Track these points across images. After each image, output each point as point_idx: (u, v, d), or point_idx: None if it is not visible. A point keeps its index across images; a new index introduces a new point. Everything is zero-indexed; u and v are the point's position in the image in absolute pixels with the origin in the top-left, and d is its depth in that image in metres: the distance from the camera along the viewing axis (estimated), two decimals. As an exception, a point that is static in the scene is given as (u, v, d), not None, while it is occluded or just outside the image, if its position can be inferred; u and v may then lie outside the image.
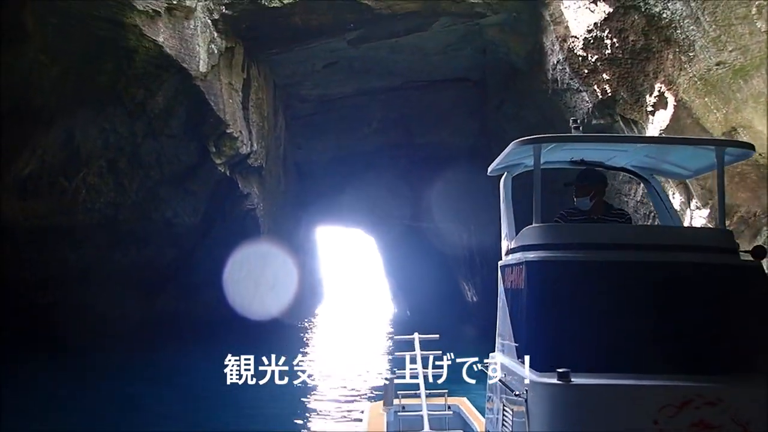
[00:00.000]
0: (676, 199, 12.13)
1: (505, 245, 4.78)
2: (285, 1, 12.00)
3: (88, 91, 9.40)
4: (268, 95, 14.73)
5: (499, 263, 4.66)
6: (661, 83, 10.69)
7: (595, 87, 12.43)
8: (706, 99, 9.91)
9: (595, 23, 11.30)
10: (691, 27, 9.25)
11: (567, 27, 12.27)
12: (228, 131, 11.60)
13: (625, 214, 4.89)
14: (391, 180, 21.55)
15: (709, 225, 11.62)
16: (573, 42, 12.25)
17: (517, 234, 4.49)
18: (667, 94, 10.64)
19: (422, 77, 18.52)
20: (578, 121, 5.02)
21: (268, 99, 14.55)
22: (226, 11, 11.34)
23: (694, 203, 11.73)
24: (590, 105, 12.95)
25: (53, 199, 10.52)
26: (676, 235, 4.61)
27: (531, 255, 3.98)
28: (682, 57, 9.81)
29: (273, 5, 11.94)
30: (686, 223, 11.93)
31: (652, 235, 4.45)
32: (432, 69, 17.70)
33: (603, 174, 4.98)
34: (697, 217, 11.85)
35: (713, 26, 8.84)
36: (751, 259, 4.08)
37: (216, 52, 11.20)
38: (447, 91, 19.11)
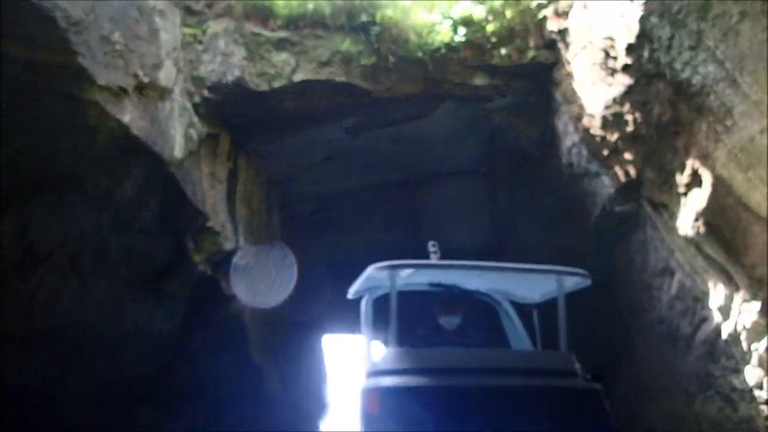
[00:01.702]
0: (719, 292, 10.59)
1: (364, 368, 4.80)
2: (274, 85, 11.11)
3: (45, 175, 8.26)
4: (260, 189, 13.67)
5: (359, 387, 4.71)
6: (694, 159, 9.45)
7: (617, 169, 11.23)
8: (749, 173, 8.61)
9: (614, 98, 10.24)
10: (728, 91, 8.11)
11: (581, 105, 11.23)
12: (209, 225, 10.39)
13: (480, 334, 4.91)
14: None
15: (759, 321, 10.06)
16: (589, 121, 11.18)
17: (375, 358, 4.56)
18: (702, 171, 9.37)
19: (427, 170, 17.49)
20: (436, 244, 5.40)
21: (259, 193, 13.48)
22: (209, 95, 10.44)
23: (740, 296, 10.18)
24: (612, 190, 11.69)
25: (6, 303, 9.15)
26: (522, 359, 4.85)
27: (385, 380, 4.08)
28: (718, 127, 8.61)
29: (261, 89, 11.04)
30: (732, 320, 10.37)
31: (499, 360, 4.71)
32: (437, 161, 16.69)
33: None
34: (746, 311, 10.24)
35: (754, 88, 7.69)
36: (590, 381, 4.24)
37: (195, 137, 10.18)
38: (455, 184, 18.03)
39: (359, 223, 19.05)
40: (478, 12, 11.64)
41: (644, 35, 8.71)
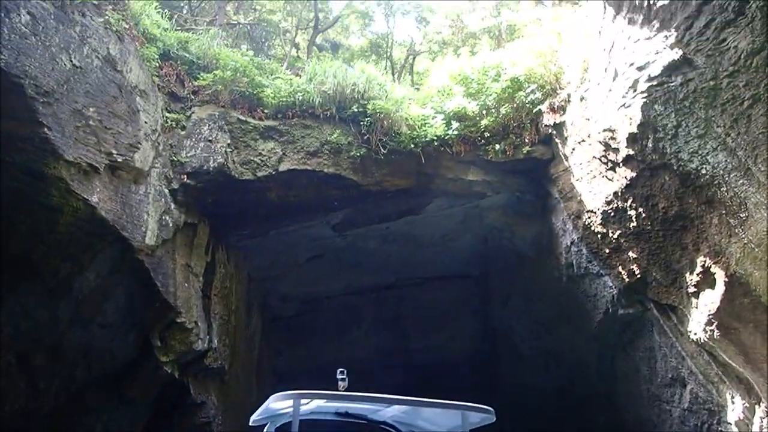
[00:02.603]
0: (737, 404, 9.64)
1: None
2: (259, 174, 10.56)
3: (-6, 261, 7.42)
4: (240, 287, 12.79)
5: None
6: (705, 256, 8.82)
7: (620, 269, 10.56)
8: None
9: (615, 192, 9.74)
10: (741, 181, 7.60)
11: (581, 201, 10.72)
12: (179, 321, 9.43)
13: None
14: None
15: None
16: (589, 218, 10.62)
17: None
18: (715, 269, 8.70)
19: (417, 273, 16.76)
20: (344, 372, 5.33)
21: (238, 291, 12.59)
22: (189, 181, 9.83)
23: (762, 409, 9.23)
24: (615, 291, 10.96)
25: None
26: None
27: None
28: (731, 220, 8.05)
29: (245, 177, 10.48)
30: (755, 433, 9.37)
31: None
32: (428, 263, 15.99)
33: None
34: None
35: (771, 176, 7.21)
36: None
37: (171, 225, 9.46)
38: (445, 289, 17.24)
39: (345, 327, 18.02)
40: (472, 107, 11.36)
41: (647, 124, 8.31)
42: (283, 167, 10.71)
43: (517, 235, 13.06)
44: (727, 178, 7.79)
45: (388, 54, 17.50)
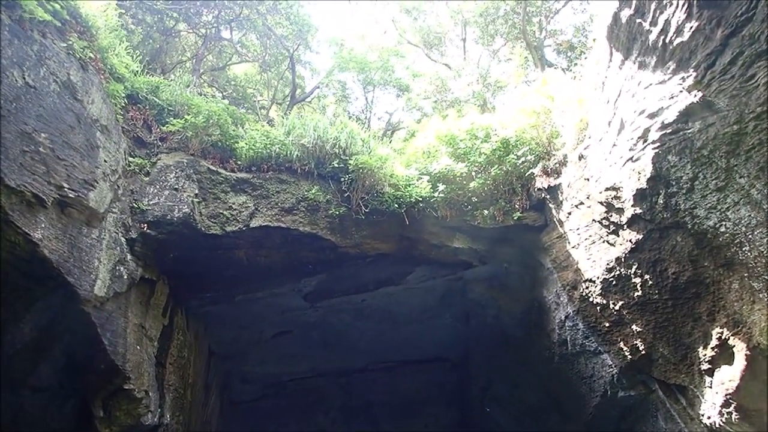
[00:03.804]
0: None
1: None
2: (228, 229, 9.55)
3: None
4: (199, 361, 11.43)
5: None
6: (722, 327, 7.97)
7: (622, 344, 9.63)
8: (798, 339, 7.17)
9: (618, 258, 8.96)
10: (767, 238, 6.91)
11: (577, 270, 9.92)
12: (127, 388, 8.07)
13: None
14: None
15: None
16: (587, 288, 9.79)
17: None
18: (734, 341, 7.84)
19: (391, 356, 15.57)
20: None
21: (197, 364, 11.22)
22: (149, 231, 8.75)
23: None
24: (615, 371, 9.97)
25: None
26: None
27: None
28: (755, 283, 7.27)
29: (212, 232, 9.44)
30: None
31: None
32: (403, 345, 14.86)
33: None
34: None
35: (803, 229, 6.52)
36: None
37: (126, 277, 8.30)
38: (420, 374, 16.03)
39: (310, 413, 16.47)
40: (460, 168, 10.70)
41: (659, 177, 7.66)
42: (254, 223, 9.74)
43: (504, 311, 12.11)
44: (750, 236, 7.08)
45: (367, 126, 17.06)
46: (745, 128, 6.57)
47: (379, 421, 16.36)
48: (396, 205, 10.27)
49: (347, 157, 10.28)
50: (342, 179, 10.32)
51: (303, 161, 10.27)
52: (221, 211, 9.56)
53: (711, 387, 8.43)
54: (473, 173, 10.77)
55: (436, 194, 10.56)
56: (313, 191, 10.10)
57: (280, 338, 13.90)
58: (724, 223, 7.29)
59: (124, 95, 9.29)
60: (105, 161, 8.05)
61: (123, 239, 8.39)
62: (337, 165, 10.28)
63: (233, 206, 9.68)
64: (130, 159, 9.07)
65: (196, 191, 9.39)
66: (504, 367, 13.18)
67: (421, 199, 10.47)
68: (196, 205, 9.28)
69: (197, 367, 11.15)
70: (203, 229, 9.33)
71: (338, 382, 16.03)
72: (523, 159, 10.48)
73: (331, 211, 10.13)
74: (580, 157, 9.42)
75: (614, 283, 9.21)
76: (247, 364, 14.53)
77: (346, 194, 10.27)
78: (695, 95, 6.84)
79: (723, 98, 6.60)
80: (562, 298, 10.54)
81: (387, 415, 16.41)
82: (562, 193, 10.07)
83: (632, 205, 8.28)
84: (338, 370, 15.89)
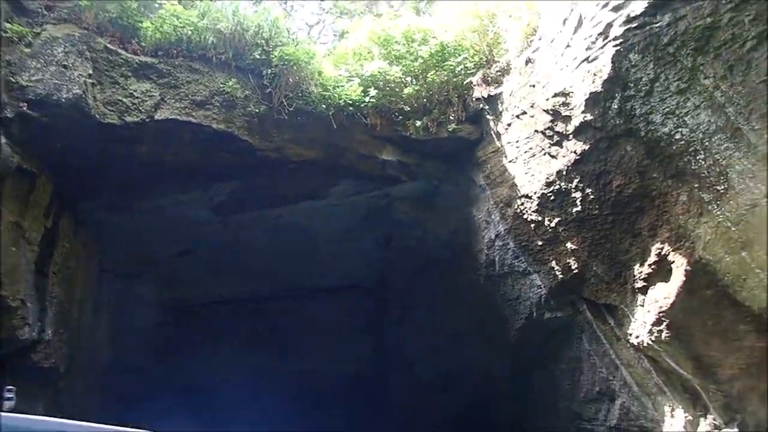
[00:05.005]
0: (678, 418, 8.53)
1: None
2: (128, 119, 8.26)
3: None
4: (88, 275, 10.15)
5: None
6: (663, 242, 7.65)
7: (554, 264, 9.25)
8: (743, 253, 6.88)
9: (560, 172, 8.44)
10: (725, 145, 6.50)
11: (513, 186, 9.36)
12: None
13: None
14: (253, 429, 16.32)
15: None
16: (522, 205, 9.27)
17: None
18: (674, 256, 7.54)
19: (305, 282, 14.72)
20: (13, 390, 5.03)
21: (86, 279, 9.96)
22: (29, 111, 7.34)
23: (707, 422, 8.15)
24: (543, 291, 9.63)
25: None
26: None
27: None
28: (705, 195, 6.92)
29: (108, 121, 8.12)
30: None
31: None
32: (319, 270, 14.05)
33: None
34: (717, 439, 8.23)
35: (766, 136, 6.14)
36: None
37: (-2, 163, 6.92)
38: (334, 302, 15.31)
39: (215, 343, 15.47)
40: (395, 72, 9.80)
41: (617, 79, 7.08)
42: (160, 115, 8.49)
43: (430, 233, 11.51)
44: (707, 143, 6.68)
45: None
46: (719, 21, 6.04)
47: (288, 351, 15.61)
48: (324, 106, 9.29)
49: (271, 49, 9.12)
50: (264, 73, 9.18)
51: (219, 50, 9.02)
52: (120, 98, 8.24)
53: (643, 306, 8.20)
54: (408, 79, 9.92)
55: (367, 99, 9.64)
56: (230, 84, 8.93)
57: (184, 258, 12.75)
58: (680, 129, 6.83)
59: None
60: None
61: (-3, 117, 6.98)
62: (258, 57, 9.10)
63: (135, 94, 8.37)
64: (7, 25, 7.53)
65: (90, 71, 7.99)
66: (425, 293, 12.69)
67: (350, 103, 9.54)
68: (89, 88, 7.90)
69: (87, 285, 9.90)
70: (98, 116, 8.00)
71: (246, 308, 15.04)
72: (462, 66, 9.70)
73: (249, 109, 9.02)
74: (527, 62, 8.75)
75: (552, 198, 8.72)
76: (144, 286, 13.28)
77: (267, 90, 9.16)
78: (668, -18, 6.27)
79: (700, -15, 6.05)
80: (493, 216, 10.02)
81: (297, 345, 15.68)
82: (502, 103, 9.41)
83: (582, 112, 7.70)
84: (246, 296, 14.91)
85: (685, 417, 8.28)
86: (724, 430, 7.92)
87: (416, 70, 9.91)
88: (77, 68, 7.82)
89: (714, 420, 8.01)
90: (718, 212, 6.88)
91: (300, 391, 15.92)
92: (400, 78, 9.87)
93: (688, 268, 7.38)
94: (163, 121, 8.48)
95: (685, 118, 6.74)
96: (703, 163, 6.81)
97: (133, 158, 8.68)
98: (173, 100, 8.63)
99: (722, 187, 6.75)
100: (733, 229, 6.81)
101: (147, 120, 8.35)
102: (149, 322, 14.62)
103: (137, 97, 8.37)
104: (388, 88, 9.90)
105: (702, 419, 8.17)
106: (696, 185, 7.00)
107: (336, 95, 9.45)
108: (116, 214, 10.02)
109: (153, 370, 14.72)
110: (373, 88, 9.79)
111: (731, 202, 6.72)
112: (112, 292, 12.27)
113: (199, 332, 15.29)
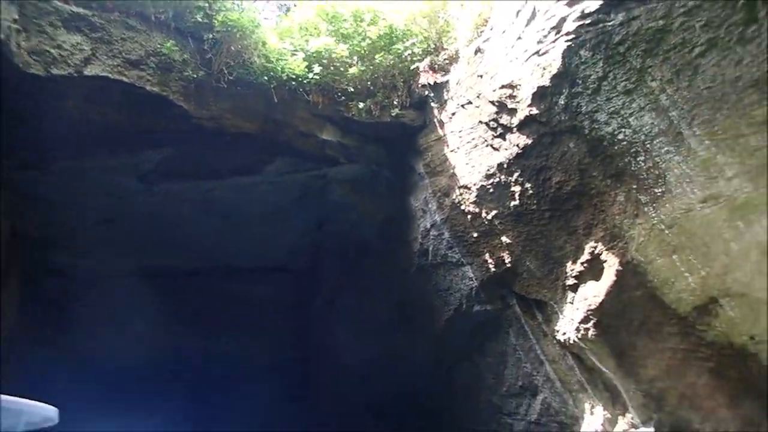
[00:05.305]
0: (597, 415, 8.70)
1: None
2: (54, 71, 7.68)
3: None
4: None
5: None
6: (597, 241, 7.74)
7: (487, 256, 9.25)
8: (674, 256, 7.03)
9: (500, 164, 8.41)
10: (666, 148, 6.59)
11: (453, 176, 9.30)
12: None
13: None
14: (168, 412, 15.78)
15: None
16: (461, 195, 9.22)
17: None
18: (607, 256, 7.65)
19: (230, 261, 14.28)
20: None
21: (-4, 242, 9.24)
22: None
23: (626, 420, 8.35)
24: (475, 284, 9.63)
25: None
26: None
27: None
28: (643, 196, 7.03)
29: (33, 71, 7.52)
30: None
31: None
32: (247, 249, 13.64)
33: None
34: (634, 436, 8.44)
35: (707, 142, 6.24)
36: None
37: None
38: (260, 282, 14.91)
39: (129, 319, 14.77)
40: (341, 50, 9.54)
41: (566, 75, 7.08)
42: (90, 71, 7.92)
43: (365, 218, 11.34)
44: (648, 145, 6.76)
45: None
46: (671, 24, 6.09)
47: (209, 333, 15.12)
48: (265, 78, 8.94)
49: (214, 13, 8.68)
50: (205, 38, 8.73)
51: (159, 8, 8.50)
52: (47, 49, 7.63)
53: (572, 303, 8.30)
54: (355, 59, 9.68)
55: (310, 75, 9.35)
56: (168, 46, 8.44)
57: (104, 227, 12.07)
58: (623, 129, 6.89)
59: None
60: None
61: None
62: (200, 20, 8.65)
63: (64, 45, 7.76)
64: None
65: (16, 16, 7.36)
66: (355, 280, 12.51)
67: (294, 77, 9.22)
68: (14, 34, 7.27)
69: (-3, 245, 9.19)
70: (21, 65, 7.38)
71: (165, 284, 14.38)
72: (410, 51, 9.54)
73: (187, 74, 8.56)
74: (477, 51, 8.67)
75: (491, 190, 8.70)
76: (58, 255, 12.53)
77: (207, 56, 8.72)
78: (625, -19, 6.28)
79: (655, -13, 6.09)
80: (430, 205, 9.93)
81: (218, 326, 15.21)
82: (448, 91, 9.32)
83: (528, 105, 7.68)
84: (167, 271, 14.30)
85: (604, 415, 8.44)
86: (641, 429, 8.12)
87: (363, 51, 9.69)
88: (1, 11, 7.17)
89: (632, 419, 8.20)
90: (654, 215, 6.99)
91: (218, 373, 15.49)
92: (347, 57, 9.63)
93: (620, 268, 7.50)
94: (92, 77, 7.91)
95: (630, 119, 6.80)
96: (642, 164, 6.90)
97: (56, 115, 8.08)
98: (105, 57, 8.07)
99: (659, 190, 6.85)
100: (667, 232, 6.94)
101: (75, 75, 7.78)
102: (60, 294, 13.84)
103: (66, 50, 7.78)
104: (333, 67, 9.64)
105: (620, 417, 8.35)
106: (634, 186, 7.09)
107: (279, 68, 9.11)
108: (33, 174, 9.35)
109: (59, 344, 13.96)
110: (317, 64, 9.50)
111: (667, 205, 6.83)
112: (22, 259, 11.49)
113: (113, 306, 14.57)
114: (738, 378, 7.32)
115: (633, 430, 8.24)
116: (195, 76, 8.59)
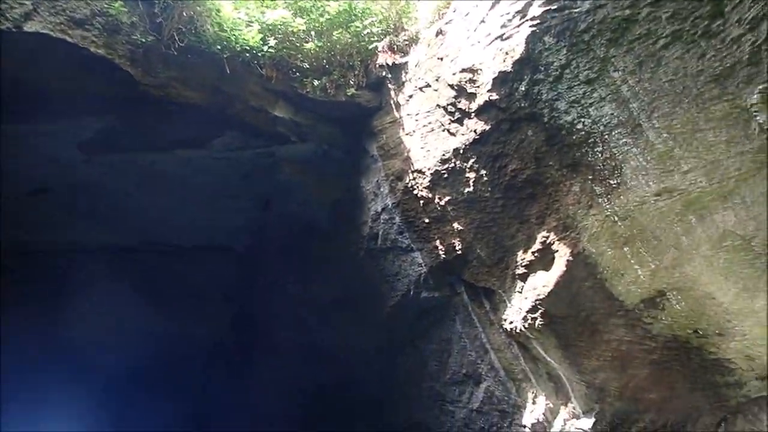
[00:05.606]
0: (539, 405, 8.76)
1: None
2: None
3: None
4: None
5: None
6: (549, 231, 7.73)
7: (438, 243, 9.16)
8: (626, 248, 7.08)
9: (456, 150, 8.30)
10: (624, 140, 6.59)
11: (407, 159, 9.14)
12: None
13: None
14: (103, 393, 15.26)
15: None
16: (414, 180, 9.07)
17: None
18: (558, 246, 7.65)
19: (170, 239, 13.79)
20: None
21: None
22: None
23: (567, 410, 8.43)
24: (424, 270, 9.52)
25: None
26: None
27: None
28: (597, 187, 7.03)
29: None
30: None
31: None
32: (188, 227, 13.18)
33: None
34: (573, 429, 8.52)
35: (665, 135, 6.27)
36: None
37: None
38: (201, 262, 14.47)
39: (58, 298, 14.10)
40: (298, 23, 9.23)
41: (528, 60, 7.00)
42: (30, 27, 7.34)
43: (314, 199, 11.07)
44: (606, 136, 6.76)
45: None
46: (637, 14, 6.05)
47: (144, 312, 14.57)
48: (218, 47, 8.55)
49: (166, -25, 8.25)
50: (155, 1, 8.27)
51: (107, -35, 8.01)
52: (-18, 0, 7.07)
53: (521, 292, 8.29)
54: (312, 34, 9.38)
55: (265, 48, 9.01)
56: (116, 6, 7.94)
57: (38, 197, 11.42)
58: (583, 119, 6.87)
59: None
60: None
61: None
62: (151, -19, 8.20)
63: (2, -2, 7.21)
64: None
65: (-55, -38, 6.79)
66: (301, 263, 12.23)
67: (247, 49, 8.86)
68: (-58, -19, 6.71)
69: None
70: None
71: (100, 260, 13.78)
72: (368, 30, 9.31)
73: (135, 37, 8.09)
74: (438, 33, 8.51)
75: (446, 176, 8.58)
76: (-12, 223, 11.80)
77: (157, 20, 8.26)
78: (594, -33, 6.22)
79: (625, -25, 6.04)
80: (382, 189, 9.76)
81: (156, 308, 14.67)
82: (406, 73, 9.14)
83: (489, 90, 7.57)
84: (103, 247, 13.70)
85: (547, 404, 8.50)
86: (582, 419, 8.21)
87: (321, 27, 9.40)
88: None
89: (573, 409, 8.28)
90: (607, 206, 7.02)
91: (155, 353, 14.98)
92: (303, 32, 9.33)
93: (570, 258, 7.52)
94: (33, 34, 7.35)
95: (590, 109, 6.77)
96: (599, 155, 6.90)
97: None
98: (48, 14, 7.51)
99: (615, 182, 6.87)
100: (619, 224, 6.99)
101: (14, 30, 7.20)
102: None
103: (5, 2, 7.20)
104: (289, 41, 9.31)
105: (562, 407, 8.43)
106: (590, 177, 7.09)
107: (233, 38, 8.73)
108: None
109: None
110: (273, 37, 9.16)
111: (621, 197, 6.86)
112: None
113: (42, 282, 13.88)
114: (680, 371, 7.49)
115: (574, 420, 8.32)
116: (143, 40, 8.12)
